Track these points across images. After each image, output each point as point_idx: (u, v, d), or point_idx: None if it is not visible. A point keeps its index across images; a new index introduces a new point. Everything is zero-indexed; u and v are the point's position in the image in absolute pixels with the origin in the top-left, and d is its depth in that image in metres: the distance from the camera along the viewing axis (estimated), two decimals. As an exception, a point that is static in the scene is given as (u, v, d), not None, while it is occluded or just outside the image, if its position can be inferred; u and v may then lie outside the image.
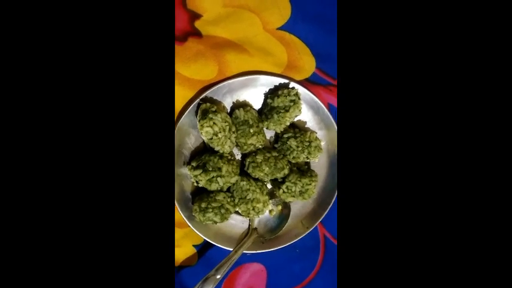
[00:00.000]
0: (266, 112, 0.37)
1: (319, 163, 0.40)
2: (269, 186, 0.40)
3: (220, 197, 0.35)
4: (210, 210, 0.34)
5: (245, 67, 0.38)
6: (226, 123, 0.34)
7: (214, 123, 0.33)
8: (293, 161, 0.38)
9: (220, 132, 0.34)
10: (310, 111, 0.39)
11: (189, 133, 0.37)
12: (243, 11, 0.37)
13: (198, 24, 0.37)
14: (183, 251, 0.39)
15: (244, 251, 0.36)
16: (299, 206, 0.40)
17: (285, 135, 0.38)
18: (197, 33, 0.37)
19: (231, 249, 0.36)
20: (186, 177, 0.37)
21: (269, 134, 0.39)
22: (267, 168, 0.36)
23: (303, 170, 0.39)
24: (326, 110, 0.38)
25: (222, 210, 0.35)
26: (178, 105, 0.37)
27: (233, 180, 0.36)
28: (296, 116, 0.37)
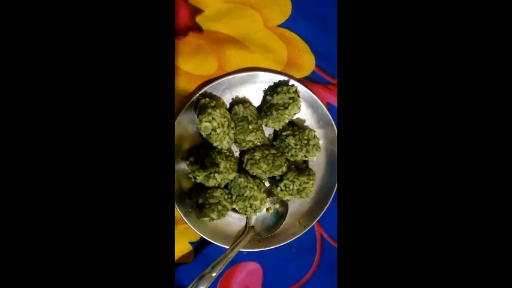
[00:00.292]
0: (265, 109, 0.37)
1: (317, 162, 0.40)
2: (267, 184, 0.39)
3: (217, 193, 0.35)
4: (207, 206, 0.34)
5: (245, 63, 0.38)
6: (225, 119, 0.34)
7: (213, 118, 0.33)
8: (291, 159, 0.38)
9: (218, 127, 0.33)
10: (309, 110, 0.39)
11: (188, 128, 0.37)
12: (244, 8, 0.37)
13: (199, 19, 0.37)
14: (179, 248, 0.38)
15: (240, 249, 0.36)
16: (296, 205, 0.40)
17: (284, 133, 0.37)
18: (198, 28, 0.37)
19: (228, 247, 0.35)
20: (184, 173, 0.36)
21: (268, 132, 0.39)
22: (265, 165, 0.36)
23: (301, 169, 0.38)
24: (325, 108, 0.38)
25: (219, 207, 0.34)
26: (177, 100, 0.37)
27: (231, 176, 0.35)
28: (295, 113, 0.37)
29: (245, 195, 0.36)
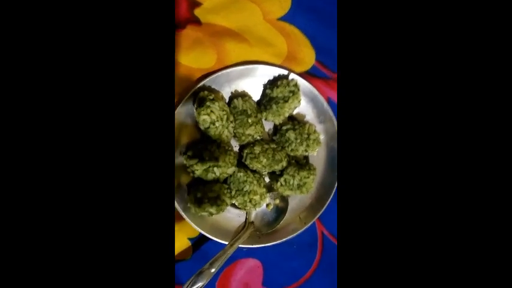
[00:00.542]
0: (265, 103, 0.37)
1: (318, 157, 0.39)
2: (267, 180, 0.39)
3: (216, 187, 0.34)
4: (206, 200, 0.33)
5: (244, 57, 0.37)
6: (224, 112, 0.34)
7: (211, 111, 0.32)
8: (291, 154, 0.37)
9: (217, 120, 0.33)
10: (310, 104, 0.38)
11: (186, 122, 0.36)
12: (243, 1, 0.37)
13: (197, 12, 0.36)
14: (177, 244, 0.37)
15: (240, 246, 0.35)
16: (297, 201, 0.39)
17: (284, 127, 0.37)
18: (196, 21, 0.36)
19: (227, 243, 0.35)
20: (182, 167, 0.36)
21: (268, 127, 0.39)
22: (265, 159, 0.35)
23: (302, 164, 0.38)
24: (326, 103, 0.38)
25: (218, 201, 0.34)
26: (176, 93, 0.36)
27: (230, 170, 0.35)
28: (295, 107, 0.36)
29: (245, 189, 0.35)
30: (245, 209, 0.36)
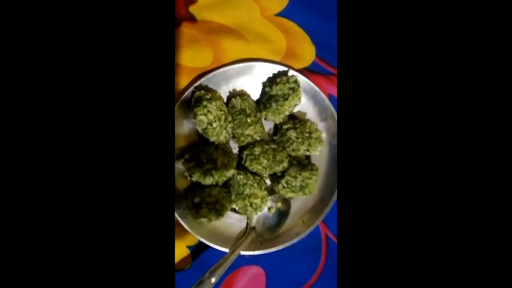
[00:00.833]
0: (264, 101, 0.35)
1: (320, 157, 0.38)
2: (268, 182, 0.37)
3: (215, 192, 0.32)
4: (204, 206, 0.31)
5: (242, 54, 0.36)
6: (222, 112, 0.32)
7: (208, 111, 0.31)
8: (293, 154, 0.36)
9: (215, 121, 0.31)
10: (310, 102, 0.37)
11: (183, 125, 0.35)
12: (239, -4, 0.35)
13: (192, 9, 0.35)
14: (176, 252, 0.36)
15: (241, 253, 0.33)
16: (299, 203, 0.38)
17: (284, 126, 0.35)
18: (191, 18, 0.35)
19: (228, 250, 0.33)
20: (179, 171, 0.34)
21: (268, 127, 0.37)
22: (266, 160, 0.34)
23: (304, 164, 0.36)
24: (327, 100, 0.36)
25: (218, 206, 0.32)
26: (170, 93, 0.35)
27: (229, 173, 0.33)
28: (295, 105, 0.35)
29: (245, 193, 0.33)
30: (246, 214, 0.35)
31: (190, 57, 0.35)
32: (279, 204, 0.37)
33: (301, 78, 0.35)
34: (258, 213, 0.35)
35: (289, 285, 0.38)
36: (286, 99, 0.34)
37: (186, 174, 0.33)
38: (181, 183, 0.35)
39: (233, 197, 0.34)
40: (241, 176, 0.34)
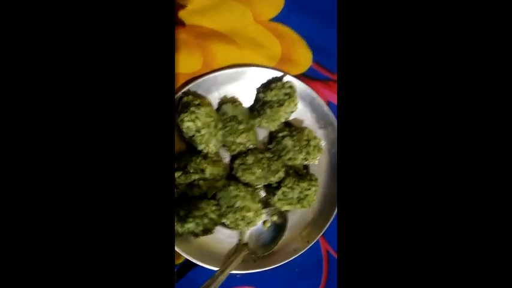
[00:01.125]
0: (258, 108, 0.34)
1: (319, 166, 0.35)
2: (262, 194, 0.35)
3: (203, 204, 0.30)
4: (191, 219, 0.29)
5: (233, 59, 0.34)
6: (211, 119, 0.30)
7: (196, 117, 0.29)
8: (289, 163, 0.34)
9: (203, 128, 0.30)
10: (308, 108, 0.35)
11: (170, 132, 0.33)
12: (231, 2, 0.34)
13: (181, 14, 0.34)
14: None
15: (232, 272, 0.31)
16: (297, 217, 0.35)
17: (280, 134, 0.34)
18: (180, 23, 0.34)
19: (217, 269, 0.30)
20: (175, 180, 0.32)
21: (262, 135, 0.35)
22: (259, 170, 0.32)
23: (301, 174, 0.34)
24: (326, 106, 0.34)
25: (205, 220, 0.30)
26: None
27: (219, 184, 0.31)
28: (292, 111, 0.33)
29: (236, 206, 0.31)
30: (237, 229, 0.32)
31: (179, 62, 0.34)
32: (275, 218, 0.35)
33: (297, 84, 0.34)
34: (251, 228, 0.33)
35: (286, 308, 0.35)
36: (282, 105, 0.32)
37: (172, 185, 0.31)
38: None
39: (223, 210, 0.32)
40: (232, 187, 0.32)
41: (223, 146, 0.33)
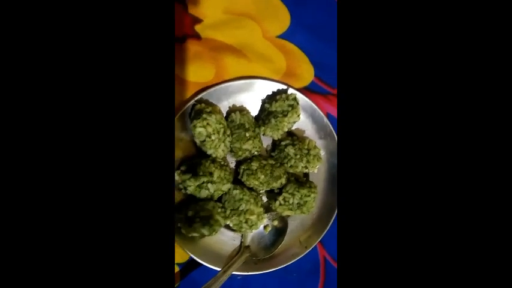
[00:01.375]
0: (263, 117, 0.36)
1: (318, 175, 0.37)
2: (264, 199, 0.36)
3: (209, 206, 0.31)
4: (198, 220, 0.30)
5: (243, 71, 0.37)
6: (221, 125, 0.32)
7: (208, 123, 0.31)
8: (291, 171, 0.35)
9: (213, 134, 0.31)
10: (309, 119, 0.37)
11: (181, 137, 0.35)
12: (243, 18, 0.37)
13: (198, 27, 0.36)
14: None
15: (234, 273, 0.32)
16: (297, 223, 0.37)
17: (283, 143, 0.36)
18: (196, 36, 0.36)
19: (219, 270, 0.31)
20: (174, 184, 0.33)
21: (266, 143, 0.37)
22: (263, 176, 0.33)
23: (302, 182, 0.36)
24: (325, 118, 0.37)
25: (211, 221, 0.31)
26: (171, 106, 0.35)
27: (225, 187, 0.33)
28: (294, 122, 0.35)
29: (240, 209, 0.32)
30: (240, 231, 0.34)
31: (193, 72, 0.36)
32: (276, 223, 0.36)
33: (300, 96, 0.36)
34: (253, 231, 0.34)
35: (284, 311, 0.36)
36: (285, 115, 0.34)
37: (181, 186, 0.32)
38: (176, 196, 0.34)
39: (228, 213, 0.33)
40: (237, 191, 0.33)
41: (230, 151, 0.35)
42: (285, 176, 0.35)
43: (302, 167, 0.35)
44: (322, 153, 0.37)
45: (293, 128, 0.37)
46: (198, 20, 0.36)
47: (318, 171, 0.36)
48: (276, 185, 0.34)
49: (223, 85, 0.35)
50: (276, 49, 0.38)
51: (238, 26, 0.37)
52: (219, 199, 0.34)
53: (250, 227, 0.33)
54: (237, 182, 0.35)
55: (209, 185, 0.31)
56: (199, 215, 0.31)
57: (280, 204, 0.34)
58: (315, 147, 0.36)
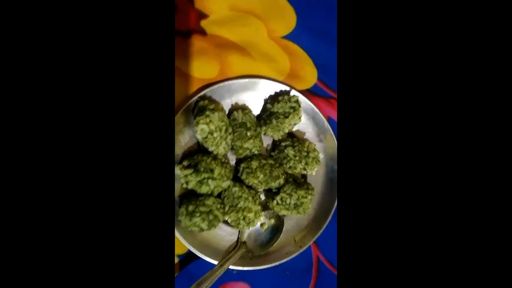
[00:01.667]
0: (265, 117, 0.36)
1: (316, 177, 0.38)
2: (262, 198, 0.37)
3: (209, 201, 0.32)
4: (198, 214, 0.31)
5: (247, 70, 0.37)
6: (223, 123, 0.33)
7: (210, 120, 0.31)
8: (289, 171, 0.36)
9: (216, 131, 0.32)
10: (310, 122, 0.38)
11: (184, 132, 0.35)
12: (249, 16, 0.37)
13: (203, 23, 0.37)
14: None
15: (230, 267, 0.32)
16: (293, 222, 0.37)
17: (283, 143, 0.36)
18: (202, 32, 0.37)
19: (216, 263, 0.32)
20: (175, 178, 0.34)
21: (266, 143, 0.38)
22: (262, 175, 0.34)
23: (299, 183, 0.36)
24: (326, 122, 0.37)
25: (211, 216, 0.31)
26: (175, 101, 0.35)
27: (225, 184, 0.33)
28: (295, 123, 0.36)
29: (239, 205, 0.33)
30: (238, 227, 0.34)
31: (197, 68, 0.36)
32: (272, 221, 0.37)
33: (302, 98, 0.36)
34: (251, 227, 0.35)
35: (276, 307, 0.37)
36: (287, 117, 0.34)
37: (183, 181, 0.33)
38: (176, 190, 0.34)
39: (226, 209, 0.33)
40: (237, 188, 0.34)
41: (231, 149, 0.35)
42: (283, 177, 0.35)
43: (301, 168, 0.35)
44: (321, 156, 0.37)
45: (294, 129, 0.37)
46: (204, 15, 0.36)
47: (316, 173, 0.37)
48: (274, 184, 0.35)
49: (226, 83, 0.35)
50: (281, 50, 0.38)
51: (244, 23, 0.37)
52: (219, 195, 0.34)
53: (248, 223, 0.34)
54: (236, 179, 0.35)
55: (210, 181, 0.32)
56: (199, 209, 0.31)
57: (278, 204, 0.35)
58: (314, 149, 0.36)
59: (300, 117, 0.36)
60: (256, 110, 0.37)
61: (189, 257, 0.35)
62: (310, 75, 0.39)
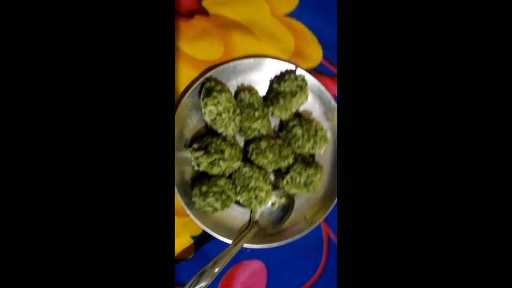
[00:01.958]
0: (272, 97, 0.36)
1: (325, 156, 0.38)
2: (272, 178, 0.37)
3: (222, 182, 0.32)
4: (211, 194, 0.31)
5: (251, 50, 0.37)
6: (231, 104, 0.33)
7: (218, 102, 0.31)
8: (298, 151, 0.36)
9: (224, 112, 0.32)
10: (317, 101, 0.38)
11: (191, 115, 0.35)
12: (251, -5, 0.36)
13: (205, 3, 0.36)
14: (180, 241, 0.35)
15: (244, 246, 0.33)
16: (302, 201, 0.38)
17: (290, 123, 0.36)
18: (204, 12, 0.36)
19: (230, 243, 0.33)
20: (186, 161, 0.34)
21: (273, 123, 0.38)
22: (271, 155, 0.34)
23: (308, 162, 0.37)
24: (333, 100, 0.37)
25: (223, 196, 0.32)
26: (181, 85, 0.35)
27: (235, 165, 0.33)
28: (302, 102, 0.36)
29: (250, 185, 0.33)
30: (250, 207, 0.35)
31: (201, 50, 0.36)
32: (283, 200, 0.37)
33: (308, 77, 0.36)
34: (262, 206, 0.35)
35: (290, 282, 0.38)
36: (294, 96, 0.34)
37: (194, 163, 0.33)
38: (188, 173, 0.35)
39: (238, 189, 0.34)
40: (247, 169, 0.34)
41: (240, 130, 0.35)
42: (292, 156, 0.35)
43: (309, 147, 0.35)
44: (329, 134, 0.37)
45: (300, 109, 0.37)
46: (205, -4, 0.36)
47: (324, 152, 0.37)
48: (283, 164, 0.35)
49: (232, 63, 0.35)
50: (285, 28, 0.38)
51: (246, 2, 0.36)
52: (229, 177, 0.35)
53: (260, 202, 0.34)
54: (245, 161, 0.36)
55: (221, 162, 0.32)
56: (213, 190, 0.32)
57: (287, 183, 0.35)
58: (322, 128, 0.36)
59: (307, 96, 0.35)
60: (262, 90, 0.37)
61: (204, 237, 0.36)
62: (315, 54, 0.38)
